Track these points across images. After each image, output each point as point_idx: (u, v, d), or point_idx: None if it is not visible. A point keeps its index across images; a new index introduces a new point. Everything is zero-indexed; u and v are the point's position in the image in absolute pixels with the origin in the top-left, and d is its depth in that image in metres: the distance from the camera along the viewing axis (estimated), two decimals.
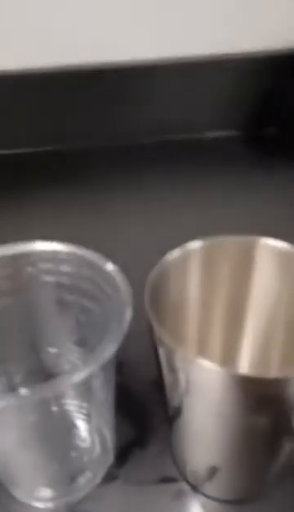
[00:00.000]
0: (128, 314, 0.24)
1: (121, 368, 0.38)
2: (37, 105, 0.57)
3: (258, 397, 0.23)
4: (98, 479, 0.31)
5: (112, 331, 0.23)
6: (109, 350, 0.22)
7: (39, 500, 0.30)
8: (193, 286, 0.27)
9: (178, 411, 0.27)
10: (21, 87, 0.55)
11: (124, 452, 0.33)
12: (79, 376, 0.22)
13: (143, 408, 0.34)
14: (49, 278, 0.27)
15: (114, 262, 0.26)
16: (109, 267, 0.26)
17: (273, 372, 0.29)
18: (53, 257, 0.26)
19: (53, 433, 0.32)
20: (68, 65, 0.55)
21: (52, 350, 0.32)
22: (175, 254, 0.26)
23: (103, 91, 0.57)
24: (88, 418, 0.33)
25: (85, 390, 0.31)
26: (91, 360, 0.22)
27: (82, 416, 0.33)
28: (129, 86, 0.57)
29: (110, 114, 0.59)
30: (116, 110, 0.58)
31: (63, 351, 0.31)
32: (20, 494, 0.30)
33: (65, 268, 0.26)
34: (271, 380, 0.22)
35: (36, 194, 0.53)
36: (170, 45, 0.56)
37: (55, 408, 0.32)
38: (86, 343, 0.30)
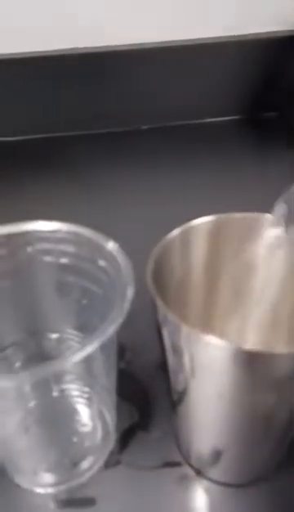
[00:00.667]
0: (130, 293, 0.23)
1: (124, 354, 0.38)
2: (31, 90, 0.55)
3: (265, 374, 0.23)
4: (100, 464, 0.30)
5: (113, 310, 0.23)
6: (109, 329, 0.22)
7: (40, 485, 0.29)
8: (197, 264, 0.27)
9: (182, 394, 0.27)
10: (15, 73, 0.54)
11: (127, 437, 0.32)
12: (79, 355, 0.21)
13: (146, 393, 0.34)
14: (48, 258, 0.26)
15: (115, 240, 0.25)
16: (110, 245, 0.25)
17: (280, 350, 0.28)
18: (52, 236, 0.25)
19: (54, 418, 0.32)
20: (60, 50, 0.54)
21: (53, 335, 0.32)
22: (177, 232, 0.25)
23: (101, 76, 0.56)
24: (90, 402, 0.32)
25: (86, 373, 0.30)
26: (92, 339, 0.22)
27: (83, 401, 0.32)
28: (127, 71, 0.56)
29: (109, 100, 0.58)
30: (114, 96, 0.57)
31: (64, 336, 0.31)
32: (21, 480, 0.30)
33: (65, 248, 0.25)
34: (278, 355, 0.22)
35: (35, 179, 0.53)
36: (168, 29, 0.55)
37: (56, 393, 0.32)
38: (87, 329, 0.30)
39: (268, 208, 0.26)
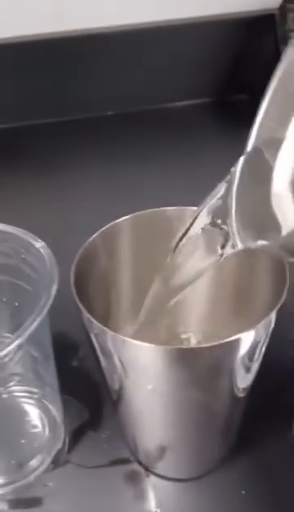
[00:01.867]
0: (54, 289, 0.23)
1: (77, 351, 0.38)
2: None
3: (192, 369, 0.23)
4: (47, 464, 0.30)
5: (38, 305, 0.23)
6: (30, 324, 0.22)
7: None
8: (124, 261, 0.27)
9: (120, 393, 0.27)
10: None
11: (76, 436, 0.32)
12: (1, 351, 0.21)
13: (97, 391, 0.34)
14: None
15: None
16: (38, 244, 0.25)
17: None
18: None
19: (2, 420, 0.32)
20: (19, 37, 0.52)
21: None
22: (101, 232, 0.26)
23: (62, 62, 0.54)
24: (38, 403, 0.32)
25: (32, 374, 0.30)
26: (14, 337, 0.22)
27: (32, 401, 0.32)
28: (89, 56, 0.54)
29: (71, 86, 0.55)
30: (77, 82, 0.55)
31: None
32: None
33: None
34: (200, 349, 0.22)
35: None
36: (133, 11, 0.53)
37: (4, 395, 0.32)
38: None
39: None
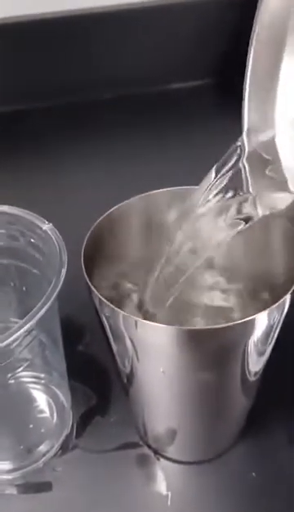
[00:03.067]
0: (63, 272, 0.23)
1: (83, 336, 0.37)
2: None
3: (203, 350, 0.23)
4: (56, 449, 0.30)
5: (48, 290, 0.22)
6: (40, 309, 0.21)
7: None
8: (134, 242, 0.27)
9: (130, 377, 0.26)
10: None
11: (85, 421, 0.32)
12: (10, 338, 0.21)
13: (105, 375, 0.34)
14: None
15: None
16: (45, 225, 0.24)
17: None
18: None
19: (11, 406, 0.32)
20: (15, 17, 0.50)
21: None
22: (109, 214, 0.25)
23: (57, 43, 0.52)
24: (45, 388, 0.32)
25: (39, 359, 0.30)
26: (23, 321, 0.21)
27: (39, 387, 0.32)
28: (83, 37, 0.52)
29: (67, 69, 0.54)
30: (73, 65, 0.53)
31: (9, 325, 0.30)
32: None
33: None
34: (212, 330, 0.22)
35: None
36: None
37: (12, 381, 0.31)
38: None
39: None
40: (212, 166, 0.23)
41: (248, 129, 0.22)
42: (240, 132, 0.23)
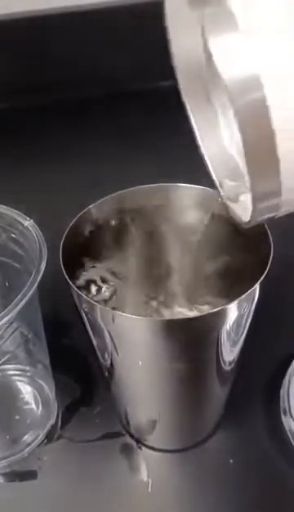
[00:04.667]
0: (43, 265, 0.24)
1: (69, 329, 0.38)
2: None
3: (176, 341, 0.24)
4: (41, 439, 0.31)
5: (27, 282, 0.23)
6: (20, 301, 0.22)
7: None
8: (113, 238, 0.27)
9: (111, 370, 0.27)
10: None
11: (69, 412, 0.33)
12: None
13: (89, 368, 0.35)
14: None
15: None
16: (27, 222, 0.25)
17: None
18: None
19: None
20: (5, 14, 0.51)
21: None
22: (92, 209, 0.26)
23: (48, 39, 0.52)
24: (30, 380, 0.33)
25: (23, 352, 0.31)
26: (4, 312, 0.22)
27: (24, 379, 0.33)
28: (72, 34, 0.52)
29: (57, 67, 0.54)
30: (63, 62, 0.54)
31: None
32: None
33: None
34: (185, 320, 0.23)
35: None
36: None
37: None
38: None
39: None
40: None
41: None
42: None
